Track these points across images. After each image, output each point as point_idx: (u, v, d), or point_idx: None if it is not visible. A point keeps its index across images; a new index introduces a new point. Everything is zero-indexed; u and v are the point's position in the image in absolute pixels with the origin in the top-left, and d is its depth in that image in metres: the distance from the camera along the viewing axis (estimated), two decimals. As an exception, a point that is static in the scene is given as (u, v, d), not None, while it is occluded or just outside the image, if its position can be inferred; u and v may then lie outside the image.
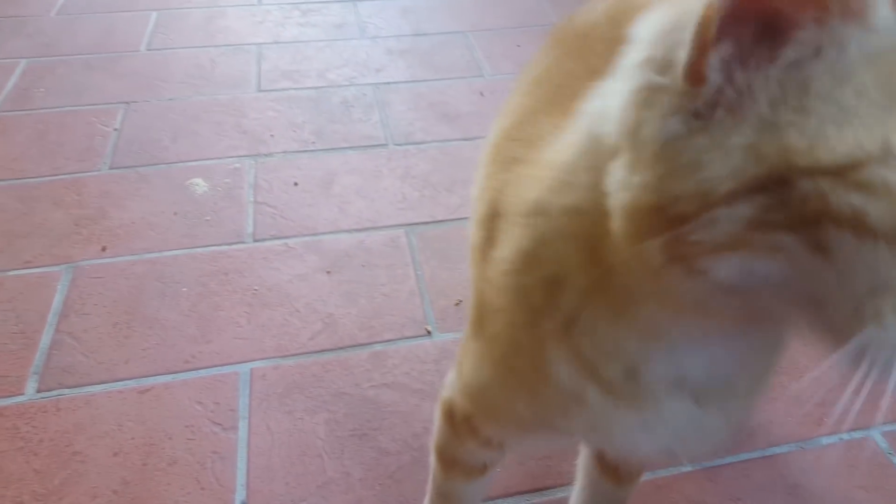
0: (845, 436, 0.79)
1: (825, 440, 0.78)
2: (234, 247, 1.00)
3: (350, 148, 1.20)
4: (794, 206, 0.26)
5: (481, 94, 1.34)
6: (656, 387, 0.36)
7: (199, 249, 0.99)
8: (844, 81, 0.25)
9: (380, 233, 1.02)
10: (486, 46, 1.48)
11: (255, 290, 0.93)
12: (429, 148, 1.19)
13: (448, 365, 0.82)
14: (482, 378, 0.44)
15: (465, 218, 1.04)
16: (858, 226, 0.25)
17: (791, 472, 0.75)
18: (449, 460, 0.55)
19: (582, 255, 0.34)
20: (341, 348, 0.84)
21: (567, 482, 0.68)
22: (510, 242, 0.40)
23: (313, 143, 1.21)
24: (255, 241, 1.01)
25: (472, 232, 0.50)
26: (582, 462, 0.62)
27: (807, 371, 0.83)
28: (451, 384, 0.51)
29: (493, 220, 0.44)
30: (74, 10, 1.63)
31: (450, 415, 0.51)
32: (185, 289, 0.93)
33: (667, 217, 0.28)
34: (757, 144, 0.26)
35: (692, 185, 0.27)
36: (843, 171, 0.25)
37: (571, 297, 0.36)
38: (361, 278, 0.94)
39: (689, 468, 0.74)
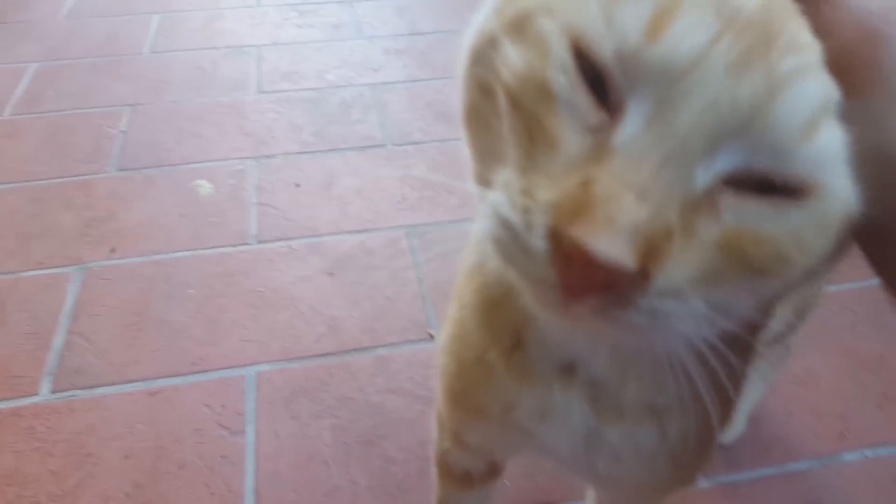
0: (869, 452, 0.73)
1: (847, 456, 0.73)
2: (239, 248, 0.97)
3: (349, 149, 1.16)
4: (492, 70, 0.25)
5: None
6: (543, 365, 0.34)
7: (205, 251, 0.97)
8: None
9: (380, 234, 0.99)
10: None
11: (260, 291, 0.91)
12: (427, 148, 1.16)
13: (448, 367, 0.80)
14: (442, 351, 0.42)
15: (466, 219, 1.01)
16: (501, 86, 0.24)
17: (812, 490, 0.70)
18: (441, 466, 0.53)
19: None
20: (345, 352, 0.82)
21: (577, 497, 0.65)
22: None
23: (313, 144, 1.17)
24: (259, 242, 0.98)
25: None
26: None
27: (825, 382, 0.80)
28: None
29: None
30: (80, 14, 1.58)
31: (438, 415, 0.49)
32: (191, 290, 0.91)
33: None
34: (503, 2, 0.26)
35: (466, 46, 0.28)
36: (517, 25, 0.24)
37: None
38: (363, 280, 0.92)
39: (705, 484, 0.70)
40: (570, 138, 0.23)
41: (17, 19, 1.57)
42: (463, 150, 0.30)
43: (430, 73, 1.35)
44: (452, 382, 0.42)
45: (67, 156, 1.15)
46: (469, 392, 0.40)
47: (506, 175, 0.24)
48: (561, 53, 0.23)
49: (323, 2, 1.60)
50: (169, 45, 1.45)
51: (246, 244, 0.98)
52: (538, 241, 0.22)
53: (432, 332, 0.85)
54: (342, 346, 0.83)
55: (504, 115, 0.24)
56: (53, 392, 0.79)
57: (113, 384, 0.79)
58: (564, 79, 0.23)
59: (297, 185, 1.09)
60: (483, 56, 0.26)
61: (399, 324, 0.86)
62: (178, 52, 1.43)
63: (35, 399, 0.78)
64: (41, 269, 0.94)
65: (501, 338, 0.35)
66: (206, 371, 0.80)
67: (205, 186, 1.08)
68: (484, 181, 0.27)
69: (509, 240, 0.23)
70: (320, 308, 0.88)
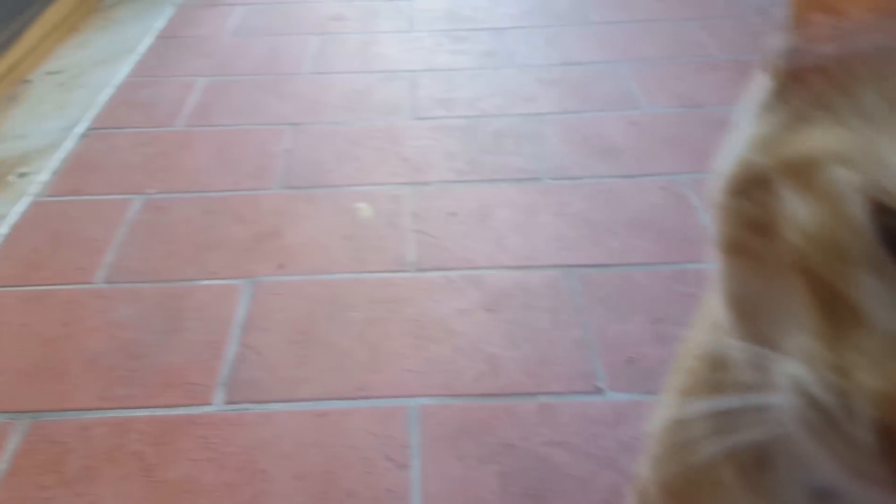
0: None
1: None
2: (398, 275, 1.00)
3: (504, 180, 1.17)
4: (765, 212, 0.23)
5: (638, 128, 1.27)
6: (791, 488, 0.30)
7: (366, 275, 1.00)
8: (874, 84, 0.22)
9: (539, 272, 0.98)
10: (641, 77, 1.41)
11: (420, 321, 0.92)
12: (585, 184, 1.15)
13: (624, 431, 0.77)
14: (655, 439, 0.40)
15: (631, 264, 0.98)
16: (783, 237, 0.22)
17: None
18: None
19: None
20: (507, 395, 0.82)
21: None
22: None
23: (468, 173, 1.19)
24: (418, 270, 1.00)
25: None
26: None
27: None
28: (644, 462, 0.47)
29: None
30: (245, 32, 1.71)
31: (644, 498, 0.47)
32: (354, 313, 0.94)
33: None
34: (775, 134, 0.24)
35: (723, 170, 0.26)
36: (799, 171, 0.22)
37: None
38: (523, 320, 0.91)
39: None
40: (883, 313, 0.20)
41: (188, 34, 1.73)
42: (708, 271, 0.29)
43: (585, 105, 1.34)
44: (669, 478, 0.39)
45: (235, 170, 1.24)
46: (690, 494, 0.37)
47: (804, 342, 0.22)
48: (863, 212, 0.20)
49: (474, 29, 1.64)
50: (327, 66, 1.54)
51: (404, 271, 1.00)
52: (863, 433, 0.20)
53: (600, 385, 0.82)
54: (504, 388, 0.83)
55: (789, 272, 0.22)
56: (227, 403, 0.84)
57: (283, 401, 0.83)
58: (869, 243, 0.20)
59: (453, 215, 1.10)
60: (748, 190, 0.25)
61: (563, 371, 0.84)
62: (335, 73, 1.51)
63: (209, 408, 0.83)
64: (214, 279, 1.01)
65: (740, 454, 0.32)
66: (370, 398, 0.83)
67: (364, 210, 1.13)
68: (758, 336, 0.25)
69: (819, 422, 0.21)
70: (480, 345, 0.88)
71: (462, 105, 1.37)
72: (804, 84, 0.25)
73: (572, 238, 1.04)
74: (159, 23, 1.79)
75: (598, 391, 0.81)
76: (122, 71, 1.57)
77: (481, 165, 1.20)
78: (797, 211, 0.22)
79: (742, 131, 0.27)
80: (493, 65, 1.50)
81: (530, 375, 0.84)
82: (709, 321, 0.35)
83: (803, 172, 0.22)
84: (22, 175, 1.29)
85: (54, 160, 1.29)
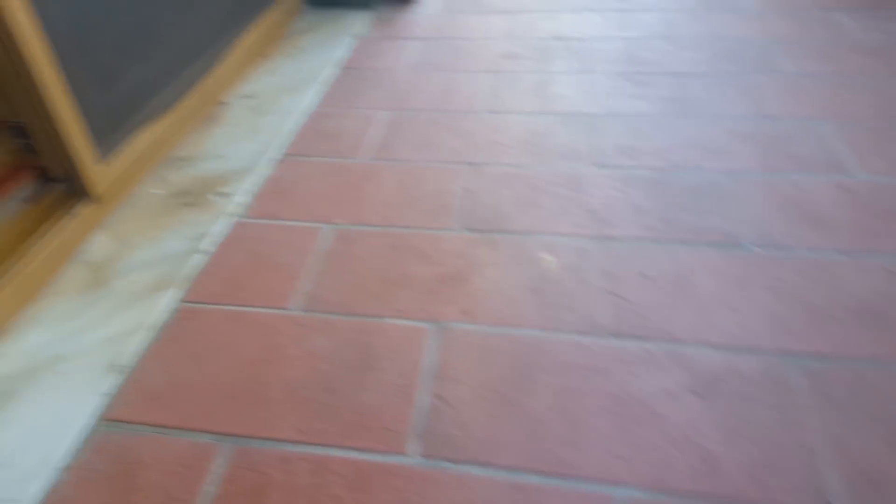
0: None
1: None
2: (590, 339, 0.93)
3: (704, 244, 1.06)
4: None
5: (852, 196, 1.12)
6: None
7: (556, 334, 0.94)
8: None
9: (754, 357, 0.87)
10: (848, 138, 1.25)
11: (620, 398, 0.84)
12: (799, 257, 1.01)
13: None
14: None
15: (861, 359, 0.84)
16: None
17: None
18: None
19: None
20: (729, 500, 0.72)
21: None
22: None
23: (661, 231, 1.10)
24: (612, 336, 0.93)
25: None
26: None
27: None
28: None
29: None
30: (420, 67, 1.72)
31: None
32: (546, 377, 0.88)
33: None
34: None
35: None
36: None
37: None
38: (739, 412, 0.81)
39: None
40: None
41: (368, 66, 1.76)
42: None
43: (789, 164, 1.20)
44: None
45: (417, 206, 1.23)
46: None
47: None
48: None
49: (655, 73, 1.54)
50: (502, 105, 1.50)
51: (596, 335, 0.93)
52: None
53: (841, 505, 0.70)
54: (724, 491, 0.73)
55: None
56: (422, 456, 0.80)
57: (479, 464, 0.78)
58: None
59: (648, 278, 1.01)
60: None
61: (791, 481, 0.73)
62: (510, 113, 1.47)
63: (404, 459, 0.80)
64: (401, 318, 0.99)
65: None
66: (571, 478, 0.76)
67: (550, 261, 1.06)
68: None
69: None
70: (692, 436, 0.79)
71: (648, 155, 1.27)
72: None
73: (789, 320, 0.92)
74: (340, 53, 1.85)
75: (841, 514, 0.69)
76: (308, 99, 1.63)
77: (676, 224, 1.11)
78: None
79: None
80: (678, 112, 1.39)
81: (754, 481, 0.73)
82: None
83: None
84: (222, 195, 1.36)
85: (250, 183, 1.34)
